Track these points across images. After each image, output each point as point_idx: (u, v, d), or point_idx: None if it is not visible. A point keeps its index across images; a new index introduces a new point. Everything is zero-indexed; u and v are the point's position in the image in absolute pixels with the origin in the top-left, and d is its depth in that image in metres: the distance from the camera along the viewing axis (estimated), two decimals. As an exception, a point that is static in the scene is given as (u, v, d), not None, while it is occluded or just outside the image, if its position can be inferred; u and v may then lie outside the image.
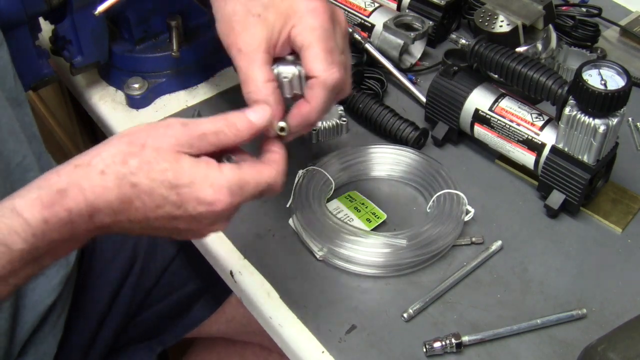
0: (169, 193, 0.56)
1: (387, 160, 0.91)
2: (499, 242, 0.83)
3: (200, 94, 1.04)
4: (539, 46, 0.96)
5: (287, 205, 0.85)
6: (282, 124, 0.66)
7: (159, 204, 0.56)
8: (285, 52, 0.69)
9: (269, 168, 0.62)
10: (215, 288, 1.02)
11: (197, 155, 0.58)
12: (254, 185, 0.60)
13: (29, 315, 0.80)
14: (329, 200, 0.87)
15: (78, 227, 0.55)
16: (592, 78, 0.78)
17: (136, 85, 1.00)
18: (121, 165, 0.55)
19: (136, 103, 1.01)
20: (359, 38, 1.03)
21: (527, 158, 0.87)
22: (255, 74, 0.66)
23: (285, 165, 0.64)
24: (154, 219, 0.58)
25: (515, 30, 0.90)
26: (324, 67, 0.65)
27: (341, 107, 0.97)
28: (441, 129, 0.94)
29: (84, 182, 0.54)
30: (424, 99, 0.98)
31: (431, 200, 0.86)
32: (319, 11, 0.67)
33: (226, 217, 0.60)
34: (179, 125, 0.58)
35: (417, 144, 0.93)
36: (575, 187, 0.83)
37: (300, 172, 0.87)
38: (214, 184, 0.57)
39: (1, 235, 0.52)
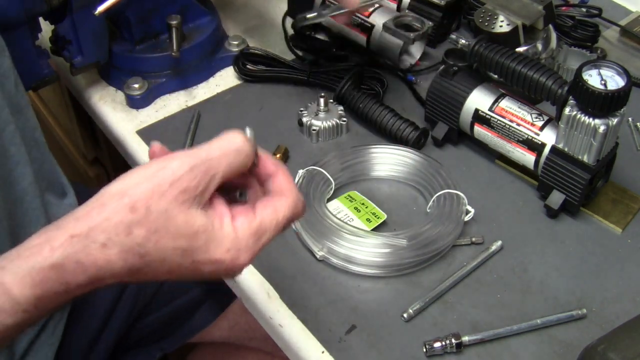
0: (183, 260, 0.52)
1: (387, 160, 0.91)
2: (499, 242, 0.83)
3: (200, 94, 1.04)
4: (539, 46, 0.96)
5: (287, 205, 0.85)
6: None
7: (172, 269, 0.53)
8: None
9: (284, 200, 0.56)
10: (218, 294, 1.01)
11: (210, 200, 0.53)
12: (275, 227, 0.55)
13: (28, 330, 0.79)
14: (329, 200, 0.87)
15: (75, 293, 0.52)
16: (592, 78, 0.78)
17: (136, 85, 1.00)
18: (125, 237, 0.50)
19: (136, 103, 1.01)
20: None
21: (527, 158, 0.87)
22: None
23: (294, 183, 0.58)
24: (164, 277, 0.54)
25: (515, 30, 0.90)
26: None
27: (341, 107, 0.97)
28: (441, 129, 0.94)
29: (83, 256, 0.50)
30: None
31: (431, 200, 0.86)
32: None
33: (249, 261, 0.56)
34: (186, 168, 0.51)
35: (417, 144, 0.93)
36: (575, 187, 0.83)
37: (300, 172, 0.87)
38: (230, 249, 0.53)
39: None
